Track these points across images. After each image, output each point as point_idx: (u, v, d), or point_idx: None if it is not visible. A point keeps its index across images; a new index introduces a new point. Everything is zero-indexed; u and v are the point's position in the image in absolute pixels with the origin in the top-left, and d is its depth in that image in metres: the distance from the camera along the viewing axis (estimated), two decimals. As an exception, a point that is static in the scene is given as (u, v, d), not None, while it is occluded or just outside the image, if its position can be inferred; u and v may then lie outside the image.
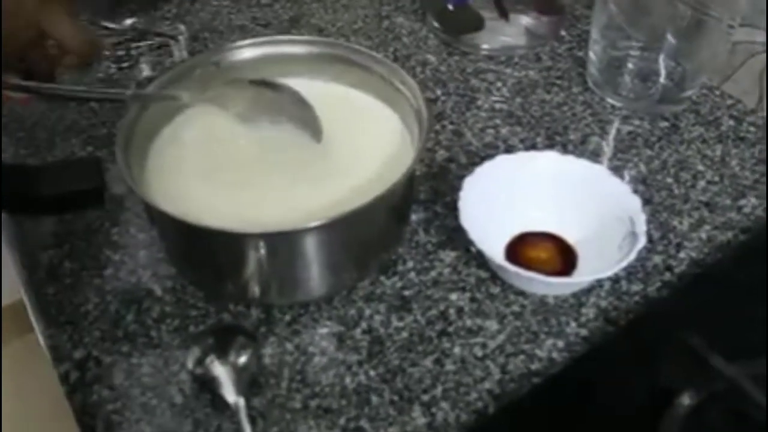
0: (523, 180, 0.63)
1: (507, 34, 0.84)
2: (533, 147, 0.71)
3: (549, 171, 0.63)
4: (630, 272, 0.61)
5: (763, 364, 0.53)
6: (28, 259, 0.62)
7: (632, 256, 0.56)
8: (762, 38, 0.77)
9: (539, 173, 0.63)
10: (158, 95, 0.60)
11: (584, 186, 0.62)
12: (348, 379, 0.54)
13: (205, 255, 0.56)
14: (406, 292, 0.59)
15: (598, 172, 0.63)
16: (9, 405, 1.44)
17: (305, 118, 0.60)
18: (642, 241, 0.57)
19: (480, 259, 0.61)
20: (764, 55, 0.77)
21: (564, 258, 0.61)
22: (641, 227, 0.58)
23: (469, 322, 0.57)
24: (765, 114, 0.76)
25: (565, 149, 0.71)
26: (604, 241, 0.60)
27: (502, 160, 0.63)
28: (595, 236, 0.61)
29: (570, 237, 0.62)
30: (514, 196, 0.62)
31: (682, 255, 0.63)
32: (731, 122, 0.75)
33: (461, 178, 0.62)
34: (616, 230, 0.60)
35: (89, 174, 0.55)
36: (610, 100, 0.77)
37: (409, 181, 0.57)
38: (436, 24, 0.85)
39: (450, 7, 0.85)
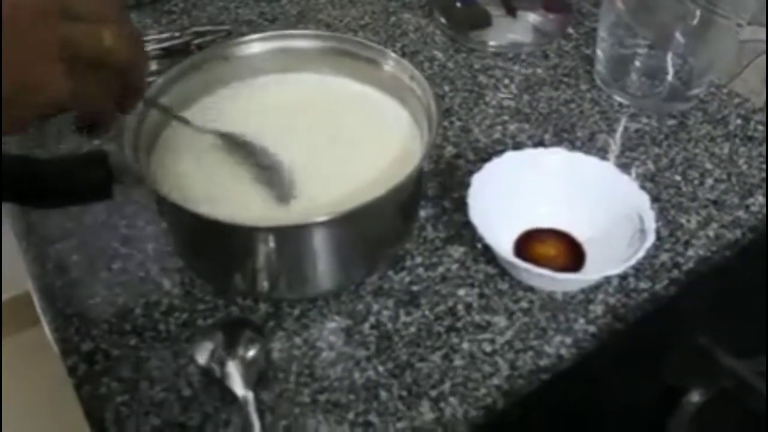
0: (531, 176, 0.63)
1: (514, 31, 0.84)
2: (541, 144, 0.71)
3: (557, 168, 0.63)
4: (638, 269, 0.61)
5: (771, 361, 0.53)
6: (36, 252, 0.62)
7: (641, 253, 0.56)
8: (769, 37, 0.77)
9: (547, 170, 0.63)
10: (154, 105, 0.58)
11: (593, 183, 0.62)
12: (356, 374, 0.54)
13: (214, 248, 0.56)
14: (415, 288, 0.59)
15: (607, 169, 0.63)
16: (7, 401, 1.44)
17: (272, 180, 0.57)
18: (651, 239, 0.57)
19: (488, 255, 0.61)
20: (772, 53, 0.77)
21: (572, 254, 0.61)
22: (650, 224, 0.58)
23: (477, 318, 0.57)
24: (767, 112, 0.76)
25: (572, 146, 0.71)
26: (613, 238, 0.60)
27: (510, 157, 0.63)
28: (604, 233, 0.61)
29: (578, 234, 0.62)
30: (522, 192, 0.62)
31: (690, 253, 0.63)
32: (739, 121, 0.75)
33: (469, 174, 0.62)
34: (624, 227, 0.60)
35: (97, 167, 0.54)
36: (617, 98, 0.77)
37: (418, 176, 0.57)
38: (443, 20, 0.85)
39: (457, 3, 0.85)
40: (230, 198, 0.56)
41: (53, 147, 0.70)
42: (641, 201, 0.60)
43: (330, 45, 0.64)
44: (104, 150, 0.57)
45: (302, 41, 0.65)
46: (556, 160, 0.64)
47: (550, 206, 0.63)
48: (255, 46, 0.64)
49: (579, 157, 0.64)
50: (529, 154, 0.64)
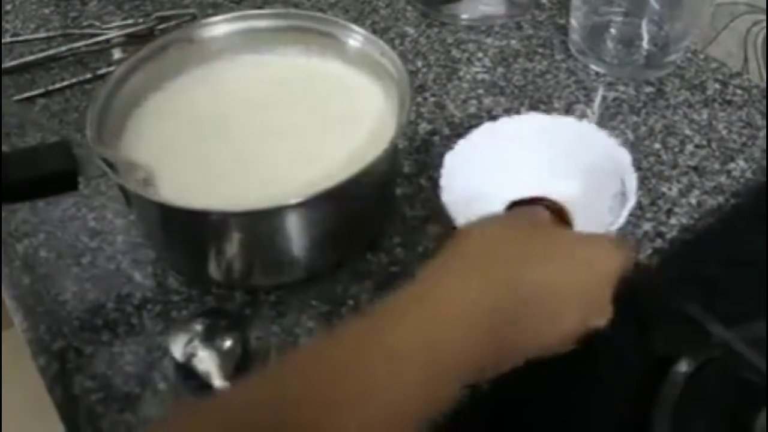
0: (507, 146, 0.60)
1: (486, 3, 0.82)
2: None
3: (534, 133, 0.61)
4: (620, 239, 0.59)
5: (758, 327, 0.53)
6: (3, 250, 0.60)
7: (622, 218, 0.53)
8: (745, -1, 0.76)
9: (524, 137, 0.61)
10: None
11: (572, 144, 0.59)
12: (337, 360, 0.53)
13: (185, 237, 0.55)
14: (393, 269, 0.58)
15: (586, 129, 0.60)
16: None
17: None
18: (632, 201, 0.54)
19: (468, 233, 0.60)
20: (748, 16, 0.76)
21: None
22: (631, 185, 0.55)
23: (458, 297, 0.56)
24: (750, 77, 0.75)
25: (550, 118, 0.70)
26: (595, 203, 0.57)
27: (484, 129, 0.61)
28: (586, 198, 0.58)
29: (560, 199, 0.59)
30: (500, 164, 0.60)
31: (672, 221, 0.61)
32: (717, 86, 0.74)
33: (445, 150, 0.60)
34: (605, 190, 0.57)
35: (60, 157, 0.52)
36: (593, 67, 0.75)
37: (392, 155, 0.56)
38: (413, -5, 0.83)
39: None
40: (202, 182, 0.55)
41: (16, 141, 0.68)
42: (622, 160, 0.57)
43: (296, 24, 0.63)
44: (67, 140, 0.55)
45: (267, 21, 0.63)
46: (532, 125, 0.61)
47: (530, 174, 0.60)
48: (220, 27, 0.63)
49: (556, 119, 0.61)
50: (503, 123, 0.62)
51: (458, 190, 0.57)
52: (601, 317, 0.45)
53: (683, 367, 0.51)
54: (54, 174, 0.53)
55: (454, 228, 0.59)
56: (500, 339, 0.40)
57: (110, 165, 0.52)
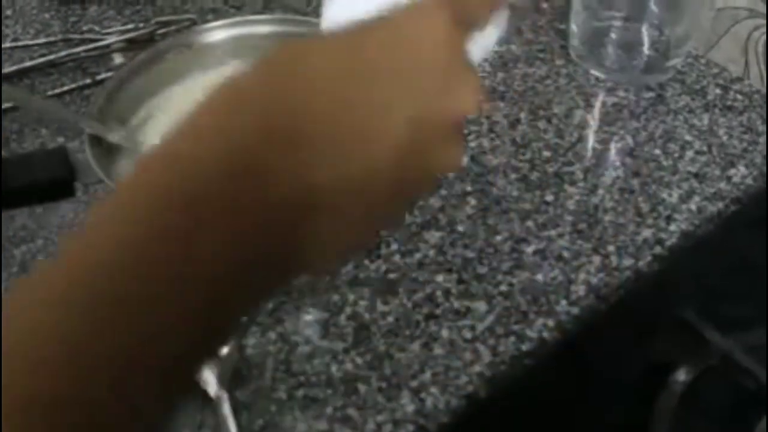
0: None
1: (486, 8, 0.82)
2: (517, 122, 0.70)
3: None
4: (620, 247, 0.59)
5: (758, 335, 0.52)
6: (1, 255, 0.60)
7: None
8: (744, 3, 0.76)
9: None
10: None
11: None
12: (334, 368, 0.52)
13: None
14: (391, 276, 0.58)
15: None
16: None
17: None
18: None
19: (466, 239, 0.60)
20: (749, 21, 0.76)
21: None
22: None
23: (456, 304, 0.56)
24: (751, 82, 0.75)
25: (549, 123, 0.69)
26: None
27: None
28: None
29: None
30: None
31: (672, 227, 0.61)
32: (718, 91, 0.73)
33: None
34: None
35: (57, 164, 0.52)
36: (593, 72, 0.75)
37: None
38: None
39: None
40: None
41: (15, 147, 0.68)
42: None
43: (295, 29, 0.63)
44: (64, 147, 0.55)
45: (267, 27, 0.63)
46: None
47: None
48: (219, 33, 0.63)
49: None
50: None
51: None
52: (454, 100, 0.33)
53: (682, 375, 0.51)
54: (50, 181, 0.53)
55: (454, 230, 0.60)
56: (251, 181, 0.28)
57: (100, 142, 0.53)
